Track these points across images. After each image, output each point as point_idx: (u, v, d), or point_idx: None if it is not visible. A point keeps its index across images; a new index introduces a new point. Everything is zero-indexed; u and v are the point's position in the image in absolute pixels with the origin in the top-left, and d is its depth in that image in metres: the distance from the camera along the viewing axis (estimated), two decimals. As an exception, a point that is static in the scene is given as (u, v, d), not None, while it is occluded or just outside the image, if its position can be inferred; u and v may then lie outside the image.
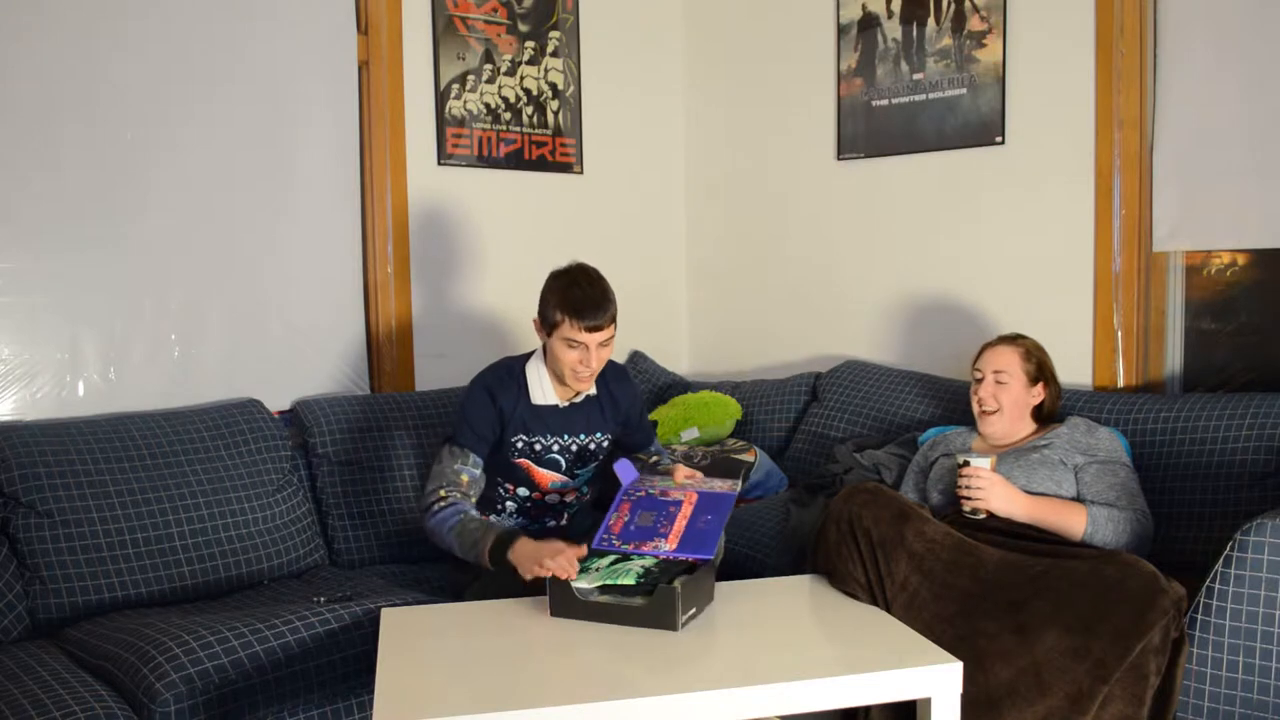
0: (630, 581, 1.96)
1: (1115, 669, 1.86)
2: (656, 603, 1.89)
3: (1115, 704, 1.88)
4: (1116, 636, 1.86)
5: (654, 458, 2.59)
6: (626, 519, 2.17)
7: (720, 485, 2.20)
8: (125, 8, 2.75)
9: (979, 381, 2.51)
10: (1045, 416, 2.53)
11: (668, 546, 2.07)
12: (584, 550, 2.04)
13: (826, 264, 3.55)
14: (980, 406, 2.50)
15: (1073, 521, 2.24)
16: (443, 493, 2.29)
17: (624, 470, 2.31)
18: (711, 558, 2.04)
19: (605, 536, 2.14)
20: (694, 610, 1.94)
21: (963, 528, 2.25)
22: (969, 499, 2.27)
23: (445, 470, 2.34)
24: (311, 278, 3.09)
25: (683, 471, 2.29)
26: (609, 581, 1.97)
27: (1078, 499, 2.31)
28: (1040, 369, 2.51)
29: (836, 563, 2.15)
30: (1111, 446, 2.40)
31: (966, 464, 2.28)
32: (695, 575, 1.97)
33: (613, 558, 2.07)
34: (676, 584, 1.89)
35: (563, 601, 1.97)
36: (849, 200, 3.48)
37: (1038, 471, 2.33)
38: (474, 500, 2.35)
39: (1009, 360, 2.49)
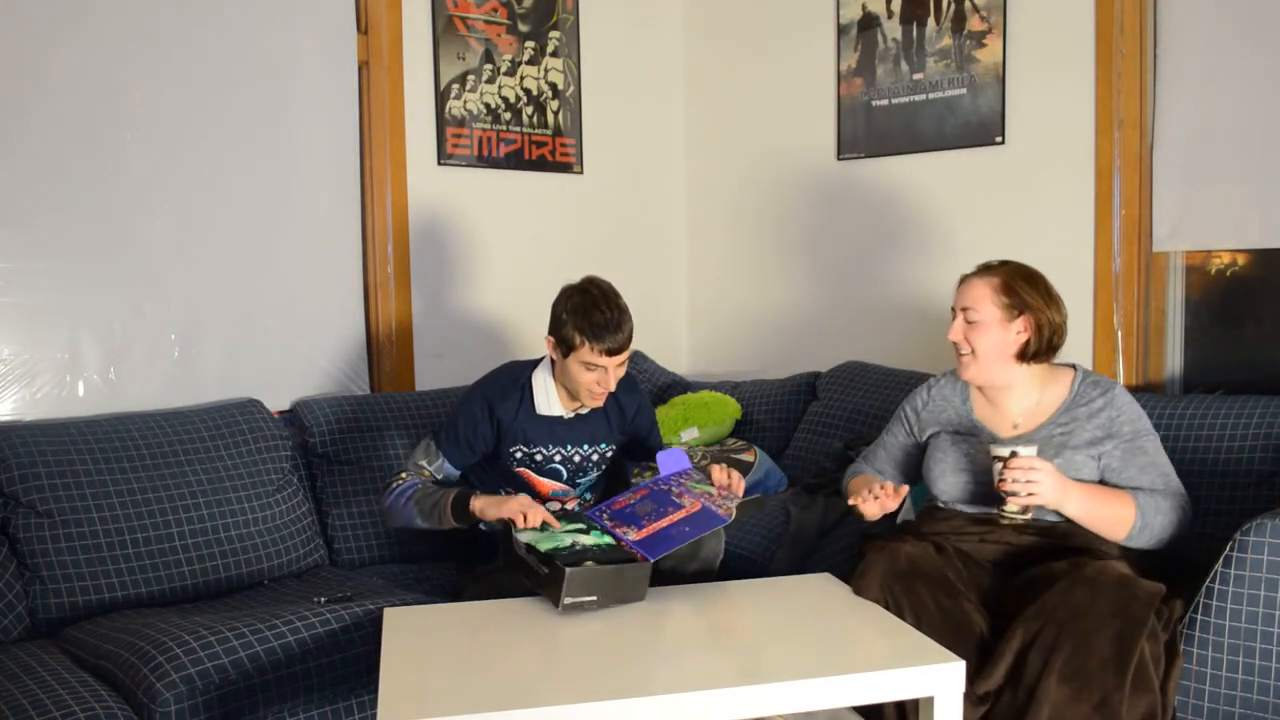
0: (546, 547, 2.00)
1: (1120, 699, 1.84)
2: (551, 578, 1.94)
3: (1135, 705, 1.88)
4: (1108, 667, 1.85)
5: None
6: (633, 502, 2.18)
7: (724, 508, 2.12)
8: (125, 9, 2.75)
9: (953, 320, 2.24)
10: (1033, 357, 2.20)
11: (633, 536, 2.09)
12: (550, 519, 2.11)
13: (826, 264, 3.55)
14: (955, 350, 2.24)
15: (1122, 517, 2.08)
16: (403, 475, 2.34)
17: (671, 459, 2.26)
18: (651, 560, 2.03)
19: (602, 509, 2.18)
20: (592, 598, 1.94)
21: (981, 537, 2.16)
22: (1016, 495, 2.03)
23: (411, 464, 2.37)
24: (311, 278, 3.09)
25: (718, 472, 2.19)
26: (538, 544, 2.01)
27: (1102, 482, 2.17)
28: (1021, 303, 2.17)
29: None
30: (1134, 414, 2.18)
31: (1014, 454, 2.02)
32: (609, 569, 1.97)
33: (578, 526, 2.11)
34: (569, 568, 1.92)
35: (509, 548, 2.07)
36: (849, 200, 3.48)
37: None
38: None
39: (979, 295, 2.19)
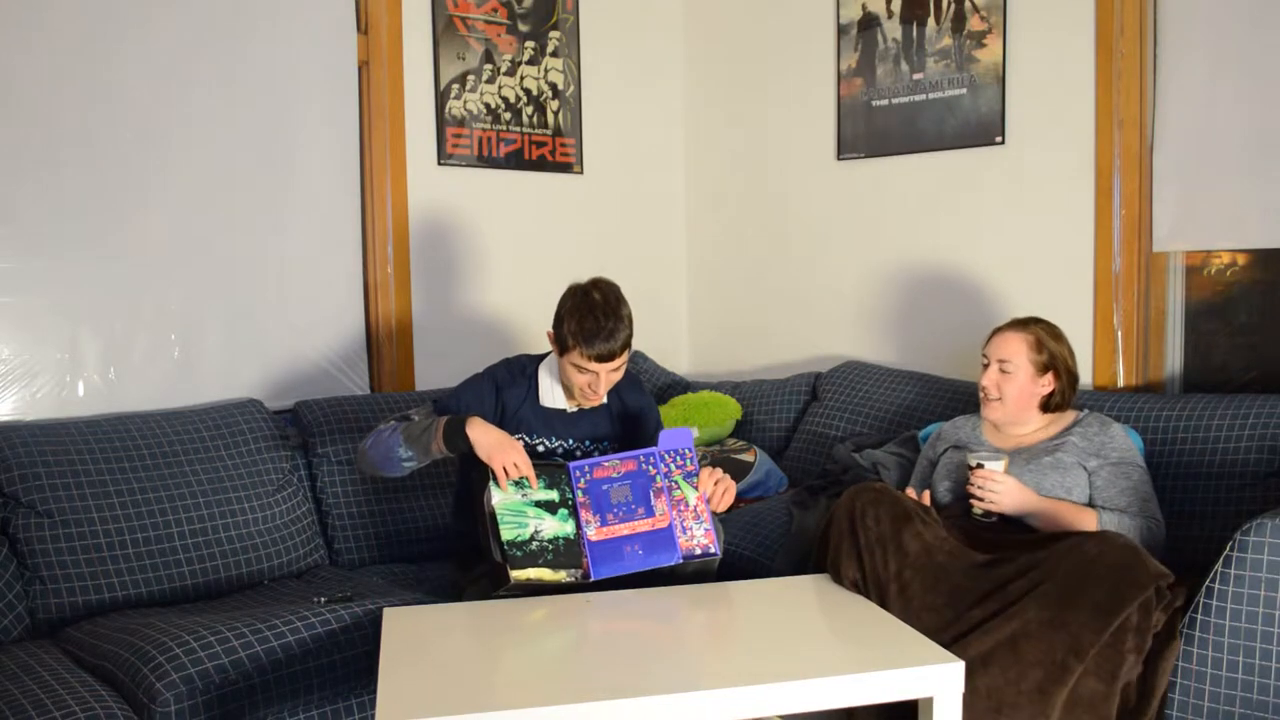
0: (507, 535, 2.07)
1: (1091, 644, 1.89)
2: (498, 568, 2.05)
3: (1088, 679, 1.91)
4: (1094, 611, 1.90)
5: None
6: (615, 477, 2.18)
7: (685, 538, 2.13)
8: (125, 9, 2.75)
9: (985, 368, 2.43)
10: (1055, 407, 2.42)
11: (593, 535, 2.11)
12: (531, 477, 2.14)
13: (826, 264, 3.55)
14: (983, 394, 2.43)
15: (1082, 527, 2.21)
16: (391, 421, 2.32)
17: (672, 436, 2.24)
18: (592, 579, 2.08)
19: (585, 470, 2.18)
20: (527, 595, 2.06)
21: (967, 527, 2.25)
22: (980, 501, 2.26)
23: (398, 415, 2.34)
24: (311, 278, 3.09)
25: (707, 477, 2.20)
26: (501, 521, 2.08)
27: (1090, 504, 2.29)
28: (1052, 359, 2.40)
29: (838, 559, 2.16)
30: (1125, 446, 2.34)
31: (980, 466, 2.26)
32: (547, 582, 2.05)
33: (550, 496, 2.14)
34: (515, 573, 2.02)
35: (482, 495, 2.12)
36: (849, 200, 3.48)
37: (1048, 476, 2.30)
38: None
39: (1016, 349, 2.39)
